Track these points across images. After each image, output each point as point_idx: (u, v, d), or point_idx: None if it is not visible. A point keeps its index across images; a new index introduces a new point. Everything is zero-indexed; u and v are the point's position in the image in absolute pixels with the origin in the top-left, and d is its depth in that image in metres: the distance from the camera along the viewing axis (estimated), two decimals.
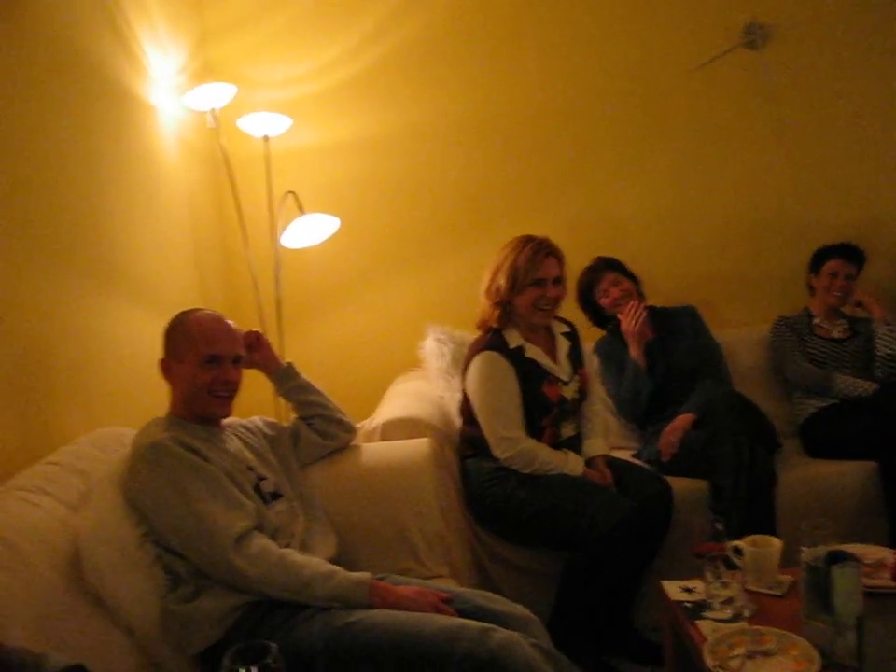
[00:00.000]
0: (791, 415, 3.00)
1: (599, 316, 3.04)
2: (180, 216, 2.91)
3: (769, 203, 3.37)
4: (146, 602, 1.58)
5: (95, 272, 2.25)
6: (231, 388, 1.81)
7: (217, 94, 2.82)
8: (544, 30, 3.26)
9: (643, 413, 2.85)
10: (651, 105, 3.32)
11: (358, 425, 2.35)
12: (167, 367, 1.81)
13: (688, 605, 1.76)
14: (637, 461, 2.76)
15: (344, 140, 3.27)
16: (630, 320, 2.83)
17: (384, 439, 2.36)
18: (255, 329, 2.09)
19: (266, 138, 2.99)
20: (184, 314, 1.85)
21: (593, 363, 2.81)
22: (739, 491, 2.40)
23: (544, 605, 2.29)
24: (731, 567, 1.74)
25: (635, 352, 2.83)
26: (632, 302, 2.86)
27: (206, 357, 1.76)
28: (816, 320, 3.08)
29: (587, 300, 3.03)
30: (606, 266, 2.99)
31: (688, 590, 1.82)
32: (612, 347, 2.94)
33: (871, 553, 1.84)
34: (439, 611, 1.60)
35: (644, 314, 2.84)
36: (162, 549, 1.64)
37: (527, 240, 2.42)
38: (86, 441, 1.89)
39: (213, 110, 2.86)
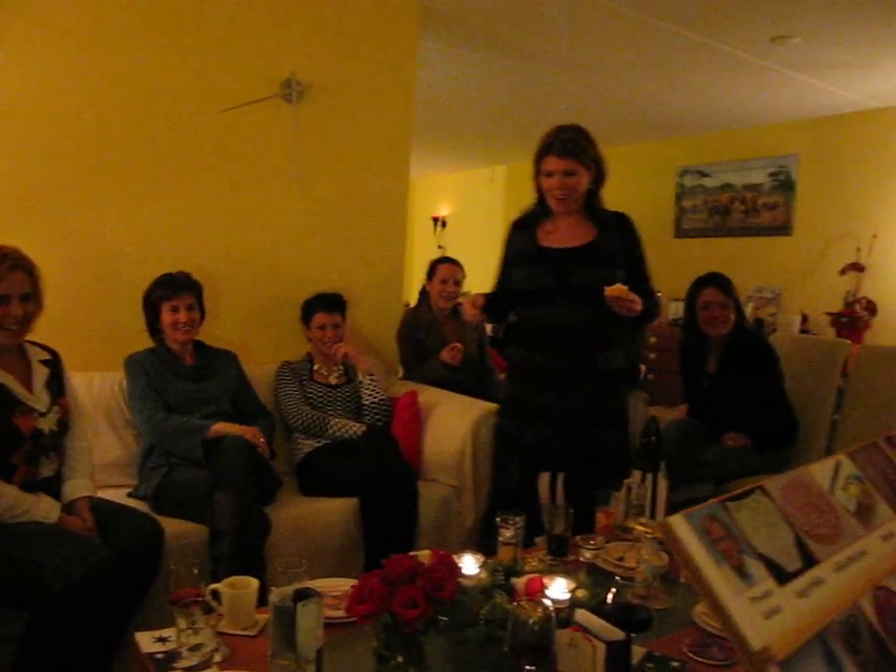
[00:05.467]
0: (290, 454, 3.14)
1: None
2: None
3: (276, 250, 3.51)
4: None
5: None
6: None
7: None
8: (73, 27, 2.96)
9: None
10: (175, 137, 3.22)
11: None
12: None
13: (160, 656, 1.67)
14: (131, 501, 2.62)
15: None
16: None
17: None
18: None
19: None
20: None
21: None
22: (239, 536, 2.42)
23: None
24: (210, 611, 1.72)
25: None
26: None
27: None
28: (315, 366, 3.28)
29: None
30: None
31: (162, 640, 1.72)
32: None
33: (340, 585, 1.96)
34: None
35: None
36: None
37: None
38: None
39: None
